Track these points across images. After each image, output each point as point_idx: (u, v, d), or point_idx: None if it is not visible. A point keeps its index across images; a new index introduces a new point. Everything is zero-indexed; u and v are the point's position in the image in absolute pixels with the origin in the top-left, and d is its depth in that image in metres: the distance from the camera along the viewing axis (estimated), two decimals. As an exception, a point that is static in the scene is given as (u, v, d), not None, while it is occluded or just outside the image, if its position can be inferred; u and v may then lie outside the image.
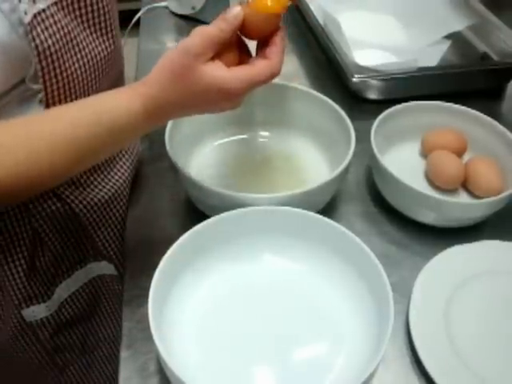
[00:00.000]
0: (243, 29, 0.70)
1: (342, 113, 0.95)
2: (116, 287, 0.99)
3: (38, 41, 0.65)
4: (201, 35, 0.66)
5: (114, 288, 0.99)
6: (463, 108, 1.00)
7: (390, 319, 0.67)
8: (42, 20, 0.66)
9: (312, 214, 0.80)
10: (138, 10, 1.48)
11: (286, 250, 0.82)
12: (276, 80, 0.94)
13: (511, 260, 0.85)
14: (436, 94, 1.05)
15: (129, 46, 0.86)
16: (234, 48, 0.71)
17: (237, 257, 0.81)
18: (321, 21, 1.32)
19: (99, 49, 0.75)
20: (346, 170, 0.87)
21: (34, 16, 0.65)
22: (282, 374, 0.72)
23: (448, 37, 1.29)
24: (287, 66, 1.27)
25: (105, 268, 0.95)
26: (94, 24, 0.73)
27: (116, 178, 0.91)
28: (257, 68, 0.70)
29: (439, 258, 0.83)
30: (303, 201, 0.82)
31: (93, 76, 0.75)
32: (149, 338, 0.73)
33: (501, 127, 0.96)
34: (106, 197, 0.89)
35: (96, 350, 1.05)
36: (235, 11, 0.68)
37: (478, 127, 0.99)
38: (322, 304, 0.79)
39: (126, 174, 0.93)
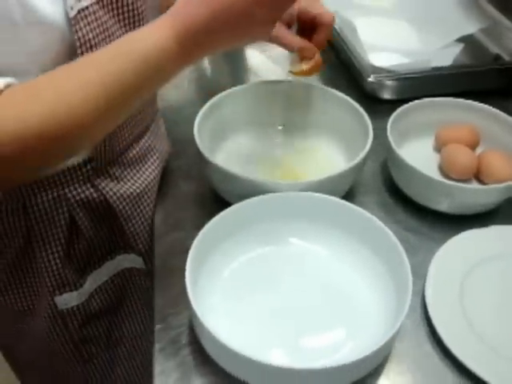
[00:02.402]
0: None
1: (361, 109, 1.06)
2: (143, 282, 1.09)
3: (80, 34, 0.76)
4: None
5: (140, 283, 1.10)
6: (475, 103, 1.11)
7: (408, 292, 0.77)
8: (85, 16, 0.77)
9: (337, 199, 0.91)
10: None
11: (311, 234, 0.93)
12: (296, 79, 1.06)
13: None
14: (449, 94, 1.15)
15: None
16: None
17: (264, 240, 0.92)
18: (335, 25, 1.42)
19: None
20: (364, 161, 0.97)
21: (78, 12, 0.75)
22: (303, 340, 0.82)
23: (461, 40, 1.39)
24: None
25: (133, 261, 1.05)
26: (129, 23, 0.84)
27: (147, 173, 1.02)
28: None
29: (453, 241, 0.94)
30: (323, 188, 0.92)
31: None
32: (179, 313, 0.85)
33: (509, 118, 1.07)
34: (138, 190, 0.99)
35: (119, 346, 1.15)
36: None
37: (489, 121, 1.10)
38: (342, 283, 0.89)
39: (156, 171, 1.05)
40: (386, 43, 1.41)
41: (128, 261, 1.05)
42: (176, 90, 1.35)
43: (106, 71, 0.68)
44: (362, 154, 0.96)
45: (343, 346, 0.80)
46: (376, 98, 1.28)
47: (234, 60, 1.52)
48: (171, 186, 1.08)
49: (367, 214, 0.88)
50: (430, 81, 1.28)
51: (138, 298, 1.12)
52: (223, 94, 1.09)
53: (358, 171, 0.99)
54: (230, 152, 1.10)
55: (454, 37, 1.39)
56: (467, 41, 1.40)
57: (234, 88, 1.11)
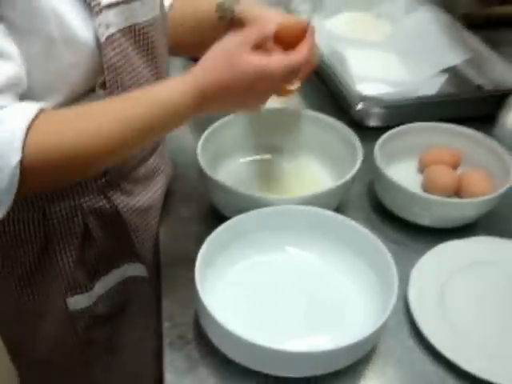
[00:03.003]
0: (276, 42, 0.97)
1: (350, 131, 1.21)
2: (145, 291, 1.23)
3: (107, 57, 0.92)
4: (241, 34, 0.94)
5: (143, 291, 1.23)
6: (456, 127, 1.27)
7: (394, 293, 0.91)
8: (112, 42, 0.92)
9: (331, 212, 1.06)
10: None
11: (306, 244, 1.08)
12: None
13: (497, 252, 1.10)
14: (435, 121, 1.30)
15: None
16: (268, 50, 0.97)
17: (262, 248, 1.07)
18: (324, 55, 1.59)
19: (146, 71, 1.02)
20: (353, 179, 1.12)
21: (107, 38, 0.91)
22: (294, 340, 0.95)
23: (445, 71, 1.56)
24: (291, 100, 1.55)
25: (138, 269, 1.19)
26: (144, 50, 1.00)
27: (153, 190, 1.17)
28: (289, 55, 0.95)
29: (434, 250, 1.09)
30: (314, 203, 1.07)
31: None
32: (184, 313, 1.01)
33: (489, 140, 1.23)
34: (145, 205, 1.14)
35: (119, 351, 1.27)
36: (269, 27, 0.96)
37: (470, 143, 1.26)
38: (333, 285, 1.04)
39: (161, 189, 1.20)
40: (374, 74, 1.57)
41: (133, 269, 1.19)
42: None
43: (129, 114, 0.88)
44: (352, 172, 1.11)
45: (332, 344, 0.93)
46: (363, 125, 1.42)
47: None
48: (174, 205, 1.24)
49: (358, 226, 1.03)
50: (416, 109, 1.43)
51: (140, 306, 1.25)
52: (221, 121, 1.24)
53: (347, 189, 1.14)
54: (227, 173, 1.24)
55: (439, 68, 1.55)
56: (452, 72, 1.57)
57: (231, 115, 1.26)
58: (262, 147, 1.31)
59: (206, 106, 0.93)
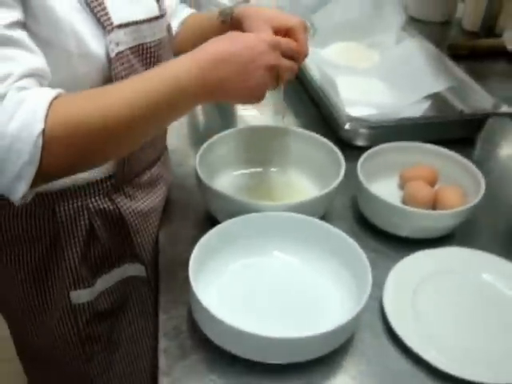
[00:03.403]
0: None
1: (335, 148, 1.31)
2: (144, 292, 1.32)
3: (116, 71, 1.02)
4: None
5: (141, 292, 1.32)
6: (434, 147, 1.37)
7: (368, 287, 1.01)
8: (121, 57, 1.03)
9: (315, 219, 1.15)
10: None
11: (292, 248, 1.17)
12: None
13: (466, 261, 1.19)
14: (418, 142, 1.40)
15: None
16: None
17: (251, 252, 1.16)
18: (317, 80, 1.71)
19: None
20: (336, 189, 1.22)
21: (116, 54, 1.02)
22: (285, 324, 1.05)
23: (429, 97, 1.65)
24: (283, 120, 1.65)
25: (137, 269, 1.28)
26: (149, 67, 1.10)
27: (155, 196, 1.27)
28: None
29: (409, 257, 1.18)
30: (301, 211, 1.16)
31: None
32: (179, 308, 1.09)
33: (464, 160, 1.33)
34: (146, 209, 1.24)
35: (117, 348, 1.36)
36: None
37: (446, 162, 1.35)
38: (316, 288, 1.12)
39: (162, 196, 1.30)
40: (362, 99, 1.68)
41: (133, 269, 1.28)
42: (177, 136, 1.61)
43: (133, 91, 0.93)
44: (336, 183, 1.20)
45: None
46: (352, 145, 1.53)
47: (226, 113, 1.80)
48: (173, 211, 1.33)
49: (341, 233, 1.12)
50: (400, 130, 1.53)
51: (139, 305, 1.34)
52: (217, 136, 1.35)
53: (330, 199, 1.24)
54: (221, 184, 1.33)
55: (422, 94, 1.64)
56: (435, 98, 1.67)
57: (228, 131, 1.37)
58: (254, 161, 1.41)
59: (208, 76, 0.96)
